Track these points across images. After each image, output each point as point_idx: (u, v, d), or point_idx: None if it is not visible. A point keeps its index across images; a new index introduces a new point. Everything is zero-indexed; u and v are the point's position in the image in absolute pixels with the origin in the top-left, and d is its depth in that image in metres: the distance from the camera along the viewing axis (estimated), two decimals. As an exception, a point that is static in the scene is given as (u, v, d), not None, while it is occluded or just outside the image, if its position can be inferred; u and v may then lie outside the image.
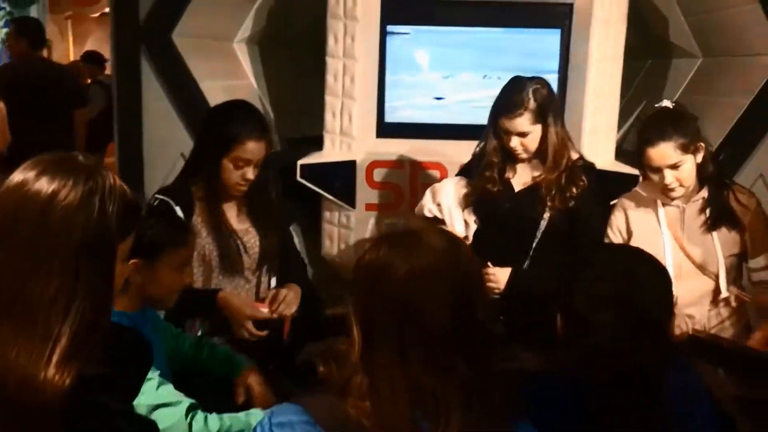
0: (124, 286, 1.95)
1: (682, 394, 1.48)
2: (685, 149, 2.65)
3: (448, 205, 3.08)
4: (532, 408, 1.39)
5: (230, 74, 4.45)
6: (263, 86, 4.61)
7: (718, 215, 2.76)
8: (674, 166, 2.67)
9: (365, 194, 4.02)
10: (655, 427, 1.41)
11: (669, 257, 2.77)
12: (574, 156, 3.02)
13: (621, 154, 4.14)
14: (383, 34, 3.98)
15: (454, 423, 1.31)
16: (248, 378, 2.33)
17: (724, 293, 2.78)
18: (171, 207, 2.63)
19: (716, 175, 2.79)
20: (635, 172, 3.89)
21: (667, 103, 2.81)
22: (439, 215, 3.08)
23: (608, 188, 3.33)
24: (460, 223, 3.07)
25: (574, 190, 2.95)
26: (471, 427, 1.32)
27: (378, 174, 4.01)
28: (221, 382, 2.34)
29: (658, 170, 2.69)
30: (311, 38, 4.43)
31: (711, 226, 2.77)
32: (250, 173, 2.68)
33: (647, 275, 1.58)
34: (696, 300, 2.80)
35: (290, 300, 2.72)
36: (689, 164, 2.68)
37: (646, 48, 4.59)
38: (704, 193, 2.79)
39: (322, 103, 4.08)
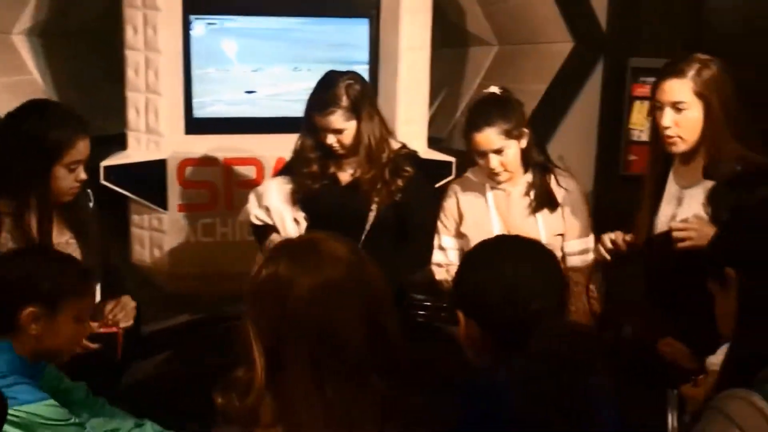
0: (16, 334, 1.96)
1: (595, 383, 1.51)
2: (509, 135, 2.73)
3: (277, 207, 2.99)
4: (462, 413, 1.35)
5: (12, 70, 4.03)
6: (49, 82, 4.22)
7: (541, 198, 2.87)
8: (498, 151, 2.74)
9: (177, 195, 3.82)
10: (586, 420, 1.42)
11: (499, 240, 2.86)
12: (396, 146, 3.02)
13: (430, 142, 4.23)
14: (187, 25, 3.77)
15: None
16: None
17: None
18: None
19: (540, 160, 2.89)
20: (449, 158, 4.02)
21: (494, 89, 2.89)
22: (268, 220, 2.98)
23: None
24: (291, 223, 2.99)
25: (400, 182, 2.95)
26: None
27: (190, 173, 3.82)
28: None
29: (484, 155, 2.76)
30: (102, 29, 4.13)
31: (534, 208, 2.87)
32: (83, 173, 2.51)
33: (552, 262, 1.59)
34: None
35: (129, 310, 2.53)
36: (513, 149, 2.77)
37: (444, 37, 4.70)
38: (528, 177, 2.88)
39: (120, 99, 3.81)
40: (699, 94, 2.44)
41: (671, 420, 2.12)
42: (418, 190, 3.02)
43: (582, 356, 1.45)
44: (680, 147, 2.50)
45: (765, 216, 1.44)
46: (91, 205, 2.69)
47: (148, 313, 3.68)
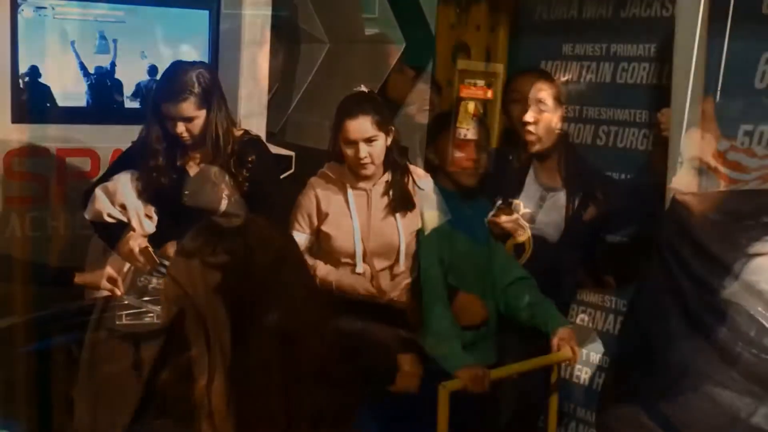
0: None
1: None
2: (380, 126, 2.85)
3: (133, 204, 2.93)
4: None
5: None
6: None
7: (399, 198, 2.98)
8: (369, 140, 2.84)
9: (5, 188, 3.58)
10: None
11: (358, 238, 2.94)
12: (238, 133, 3.03)
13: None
14: (15, 7, 3.55)
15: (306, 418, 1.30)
16: None
17: (402, 269, 3.02)
18: None
19: (400, 161, 3.01)
20: (288, 152, 4.09)
21: (363, 88, 2.98)
22: (123, 218, 2.91)
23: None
24: (146, 219, 2.95)
25: (245, 172, 2.96)
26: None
27: (17, 164, 3.59)
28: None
29: (354, 143, 2.84)
30: None
31: (393, 208, 2.98)
32: None
33: None
34: None
35: None
36: (381, 141, 2.88)
37: (276, 33, 4.72)
38: (387, 176, 2.99)
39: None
40: (558, 100, 2.69)
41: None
42: (267, 176, 3.05)
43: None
44: (536, 146, 2.75)
45: None
46: None
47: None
